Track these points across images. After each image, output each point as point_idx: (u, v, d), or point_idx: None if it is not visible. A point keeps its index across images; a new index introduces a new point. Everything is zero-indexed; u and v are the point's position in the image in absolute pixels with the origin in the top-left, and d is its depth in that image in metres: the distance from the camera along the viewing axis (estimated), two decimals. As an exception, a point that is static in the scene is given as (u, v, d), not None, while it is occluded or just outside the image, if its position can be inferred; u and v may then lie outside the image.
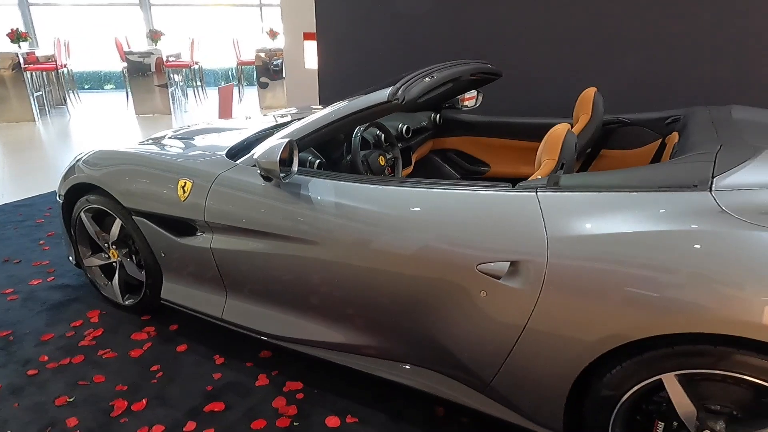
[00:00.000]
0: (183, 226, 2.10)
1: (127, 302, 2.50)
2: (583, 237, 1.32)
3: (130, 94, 8.14)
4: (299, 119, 2.09)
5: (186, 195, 2.03)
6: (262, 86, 8.26)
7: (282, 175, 1.73)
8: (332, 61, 4.14)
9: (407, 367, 1.78)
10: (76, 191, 2.46)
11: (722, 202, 1.24)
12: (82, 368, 2.14)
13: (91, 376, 2.09)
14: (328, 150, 2.28)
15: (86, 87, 10.98)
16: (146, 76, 7.81)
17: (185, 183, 2.05)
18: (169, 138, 2.60)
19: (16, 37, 7.38)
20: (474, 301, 1.49)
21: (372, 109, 1.82)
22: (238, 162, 2.02)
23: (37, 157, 5.60)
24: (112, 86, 11.17)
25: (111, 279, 2.55)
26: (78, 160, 2.48)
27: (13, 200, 4.17)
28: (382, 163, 2.34)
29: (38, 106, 7.60)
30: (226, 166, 2.02)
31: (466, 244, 1.48)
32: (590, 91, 2.31)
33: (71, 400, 1.96)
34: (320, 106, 3.06)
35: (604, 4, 3.10)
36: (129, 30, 10.02)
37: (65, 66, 8.24)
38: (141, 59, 7.76)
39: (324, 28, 4.10)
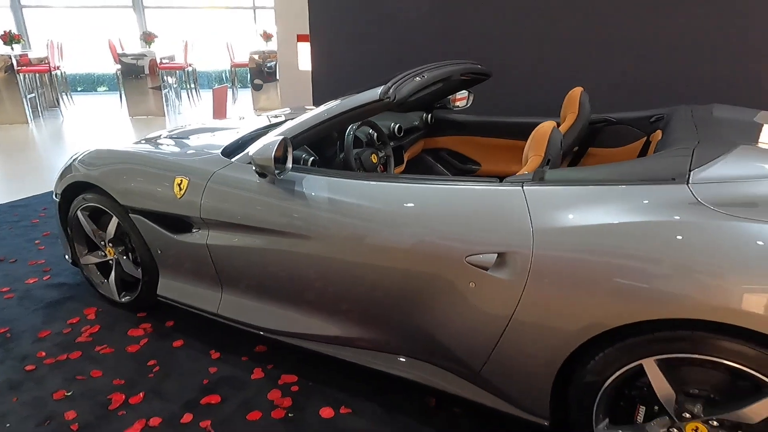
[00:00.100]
0: (179, 223, 2.14)
1: (123, 299, 2.53)
2: (567, 229, 1.38)
3: (123, 96, 8.15)
4: (293, 119, 2.14)
5: (182, 192, 2.07)
6: (256, 88, 8.30)
7: (276, 171, 1.78)
8: (326, 63, 4.20)
9: (400, 359, 1.83)
10: (73, 190, 2.49)
11: (698, 195, 1.30)
12: (79, 364, 2.17)
13: (88, 371, 2.12)
14: (322, 148, 2.33)
15: (79, 89, 10.96)
16: (140, 78, 7.82)
17: (181, 181, 2.09)
18: (164, 137, 2.64)
19: (8, 39, 7.38)
20: (463, 293, 1.54)
21: (364, 108, 1.87)
22: (233, 160, 2.06)
23: (31, 158, 5.61)
24: (105, 88, 11.16)
25: (107, 277, 2.58)
26: (74, 160, 2.51)
27: (8, 201, 4.18)
28: (375, 160, 2.39)
29: (31, 108, 7.59)
30: (221, 164, 2.06)
31: (455, 237, 1.53)
32: (577, 91, 2.37)
33: (69, 394, 1.99)
34: (314, 107, 3.10)
35: (591, 9, 3.19)
36: (122, 32, 10.03)
37: (58, 68, 8.23)
38: (134, 61, 7.77)
39: (317, 30, 4.16)
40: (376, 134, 2.54)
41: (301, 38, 4.65)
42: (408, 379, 1.80)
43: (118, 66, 7.96)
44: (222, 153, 2.16)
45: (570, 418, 1.52)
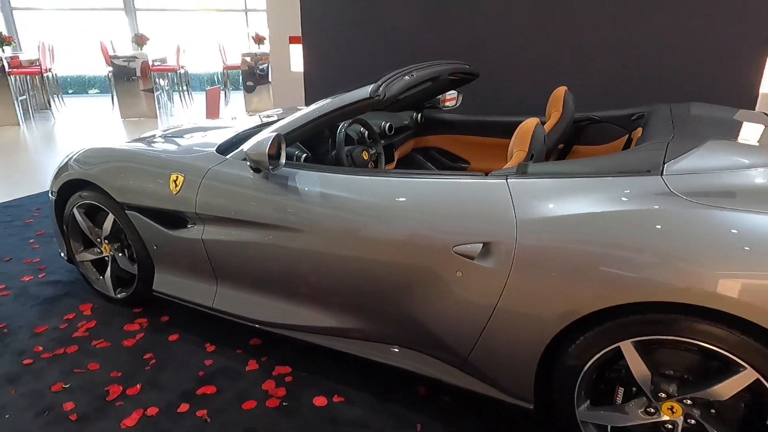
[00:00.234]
0: (175, 219, 2.19)
1: (119, 295, 2.57)
2: (548, 219, 1.45)
3: (115, 98, 8.16)
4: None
5: (178, 189, 2.13)
6: (248, 90, 8.33)
7: (270, 166, 1.84)
8: (317, 64, 4.26)
9: (392, 349, 1.88)
10: (69, 188, 2.53)
11: (671, 185, 1.38)
12: (76, 357, 2.21)
13: (85, 364, 2.16)
14: (315, 145, 2.39)
15: (70, 91, 10.94)
16: (132, 81, 7.83)
17: (177, 177, 2.14)
18: (159, 136, 2.69)
19: (-1, 41, 7.38)
20: (451, 282, 1.61)
21: (354, 105, 1.93)
22: (228, 156, 2.12)
23: (23, 160, 5.62)
24: (96, 91, 11.14)
25: (103, 273, 2.62)
26: (70, 158, 2.55)
27: (2, 201, 4.20)
28: (366, 157, 2.45)
29: (22, 110, 7.59)
30: (216, 161, 2.12)
31: (443, 228, 1.60)
32: (561, 90, 2.45)
33: (67, 386, 2.03)
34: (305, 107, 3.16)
35: (575, 13, 3.29)
36: (114, 35, 10.03)
37: (49, 70, 8.23)
38: (126, 63, 7.78)
39: (309, 32, 4.22)
40: (367, 132, 2.60)
41: (293, 40, 4.70)
42: (399, 368, 1.86)
43: (110, 68, 7.97)
44: (217, 150, 2.21)
45: (553, 401, 1.59)
